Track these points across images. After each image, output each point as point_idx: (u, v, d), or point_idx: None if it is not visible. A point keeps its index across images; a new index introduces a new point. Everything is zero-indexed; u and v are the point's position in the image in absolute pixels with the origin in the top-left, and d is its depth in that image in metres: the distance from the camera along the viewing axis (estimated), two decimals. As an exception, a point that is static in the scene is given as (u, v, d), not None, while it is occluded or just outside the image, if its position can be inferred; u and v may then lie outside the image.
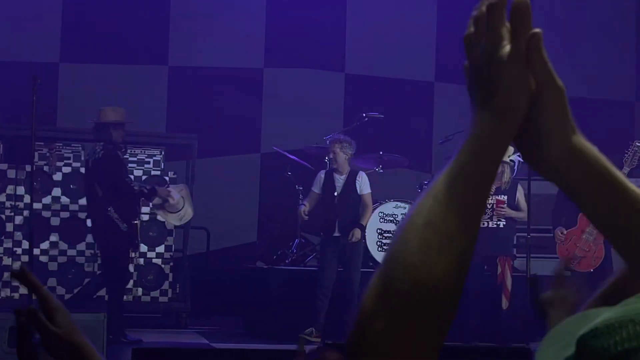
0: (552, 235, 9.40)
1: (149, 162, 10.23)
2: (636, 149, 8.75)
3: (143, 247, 10.03)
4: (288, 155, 10.17)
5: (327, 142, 9.28)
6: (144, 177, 10.13)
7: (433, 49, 12.53)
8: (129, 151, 10.01)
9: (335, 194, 9.13)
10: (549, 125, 1.20)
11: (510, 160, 9.24)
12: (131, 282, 9.86)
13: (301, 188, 10.11)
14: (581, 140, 1.22)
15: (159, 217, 10.08)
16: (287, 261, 9.90)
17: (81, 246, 10.03)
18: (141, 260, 10.06)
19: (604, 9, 12.57)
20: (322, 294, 8.99)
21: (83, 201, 9.64)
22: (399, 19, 12.41)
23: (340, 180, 9.17)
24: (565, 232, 9.05)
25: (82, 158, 9.86)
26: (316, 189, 9.25)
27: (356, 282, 9.03)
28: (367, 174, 9.81)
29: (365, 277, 9.44)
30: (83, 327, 1.85)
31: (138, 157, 10.20)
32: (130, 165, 10.06)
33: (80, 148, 10.08)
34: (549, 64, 1.18)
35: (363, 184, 9.19)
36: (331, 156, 9.16)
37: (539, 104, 1.20)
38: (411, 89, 12.39)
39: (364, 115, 10.11)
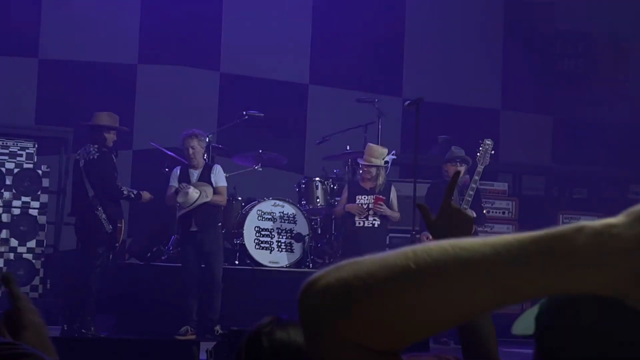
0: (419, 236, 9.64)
1: (21, 155, 9.95)
2: (487, 147, 9.10)
3: (13, 242, 9.78)
4: (166, 152, 10.08)
5: (183, 137, 9.24)
6: (15, 170, 9.87)
7: (308, 51, 12.68)
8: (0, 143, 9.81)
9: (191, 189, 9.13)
10: None
11: (385, 162, 9.46)
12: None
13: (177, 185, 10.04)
14: None
15: (30, 212, 9.86)
16: (163, 258, 9.82)
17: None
18: (11, 255, 9.79)
19: (473, 22, 12.99)
20: (189, 291, 9.00)
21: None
22: (275, 21, 12.50)
23: (195, 174, 9.20)
24: (430, 236, 9.25)
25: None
26: (173, 182, 9.24)
27: (218, 276, 9.06)
28: (246, 172, 9.87)
29: (234, 274, 9.50)
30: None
31: (10, 149, 9.92)
32: (1, 157, 9.81)
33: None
34: None
35: (218, 177, 9.21)
36: (190, 152, 9.14)
37: None
38: (286, 90, 12.49)
39: (244, 113, 10.14)
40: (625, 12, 12.32)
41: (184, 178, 9.19)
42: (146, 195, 9.21)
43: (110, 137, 9.05)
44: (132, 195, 9.07)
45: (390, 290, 1.01)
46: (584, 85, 12.93)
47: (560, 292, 0.96)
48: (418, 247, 1.02)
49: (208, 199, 9.05)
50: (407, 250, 1.03)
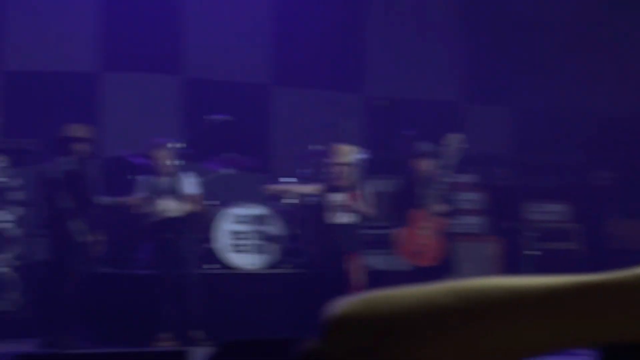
0: (391, 231, 9.72)
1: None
2: (454, 141, 9.23)
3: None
4: (134, 159, 10.06)
5: (149, 148, 9.20)
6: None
7: (271, 51, 12.67)
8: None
9: (161, 197, 9.11)
10: None
11: (353, 159, 9.54)
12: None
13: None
14: None
15: (2, 225, 9.81)
16: (137, 266, 9.80)
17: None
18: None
19: (431, 13, 13.10)
20: (167, 299, 9.04)
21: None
22: (236, 22, 12.48)
23: (166, 183, 9.18)
24: (403, 232, 9.32)
25: None
26: (144, 192, 9.21)
27: (195, 281, 9.12)
28: (217, 176, 9.91)
29: (211, 279, 9.53)
30: None
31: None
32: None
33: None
34: None
35: (189, 185, 9.23)
36: (159, 162, 9.11)
37: None
38: (247, 92, 12.50)
39: (211, 117, 10.14)
40: None
41: (155, 186, 9.17)
42: (131, 200, 9.22)
43: (83, 148, 9.07)
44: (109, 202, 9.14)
45: (444, 331, 0.95)
46: (539, 72, 13.08)
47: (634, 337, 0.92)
48: (467, 285, 0.96)
49: (185, 210, 9.06)
50: (456, 287, 0.96)
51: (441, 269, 9.32)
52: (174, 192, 9.14)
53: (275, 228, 9.94)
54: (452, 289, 0.96)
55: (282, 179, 10.35)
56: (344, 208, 9.31)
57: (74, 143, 9.03)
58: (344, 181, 9.35)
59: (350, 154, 9.47)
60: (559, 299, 0.93)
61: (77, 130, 9.14)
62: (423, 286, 0.99)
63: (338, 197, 9.34)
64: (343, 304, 0.99)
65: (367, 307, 0.98)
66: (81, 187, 8.97)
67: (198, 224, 9.66)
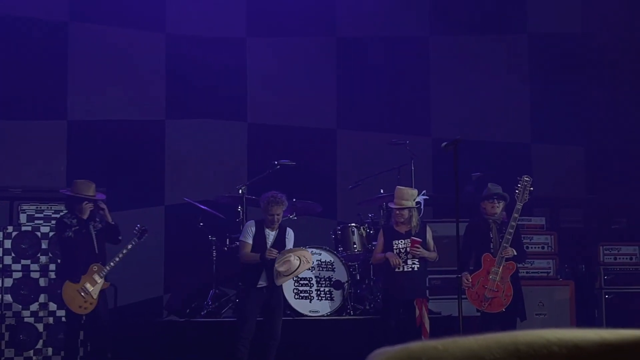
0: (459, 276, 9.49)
1: (55, 218, 9.96)
2: (525, 183, 8.94)
3: (52, 306, 9.77)
4: (200, 206, 10.06)
5: (267, 202, 8.88)
6: (51, 234, 9.87)
7: (334, 96, 12.65)
8: (35, 207, 9.84)
9: (268, 247, 8.96)
10: None
11: (416, 203, 9.32)
12: (41, 342, 9.61)
13: (214, 238, 10.01)
14: None
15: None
16: (202, 313, 9.75)
17: None
18: (50, 319, 9.77)
19: (498, 57, 12.95)
20: (242, 344, 8.85)
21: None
22: (300, 68, 12.51)
23: (271, 235, 9.00)
24: (470, 277, 9.08)
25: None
26: (249, 239, 9.05)
27: (279, 330, 8.94)
28: (282, 221, 9.83)
29: (282, 326, 9.40)
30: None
31: (44, 213, 9.93)
32: (37, 221, 9.83)
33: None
34: None
35: (290, 241, 9.07)
36: (275, 219, 8.88)
37: None
38: (314, 137, 12.47)
39: (276, 163, 10.11)
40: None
41: (260, 238, 9.00)
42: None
43: (85, 207, 9.04)
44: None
45: None
46: (613, 113, 12.81)
47: None
48: (515, 339, 0.94)
49: (309, 265, 8.95)
50: (503, 341, 0.94)
51: (511, 315, 9.05)
52: (301, 250, 8.96)
53: (339, 274, 9.79)
54: (498, 343, 0.92)
55: (349, 224, 10.21)
56: (410, 254, 9.09)
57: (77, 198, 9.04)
58: (409, 226, 9.15)
59: (413, 197, 9.24)
60: (615, 355, 0.88)
61: (81, 186, 9.09)
62: (470, 338, 0.95)
63: (403, 243, 9.13)
64: (382, 355, 0.96)
65: (406, 359, 0.94)
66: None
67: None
